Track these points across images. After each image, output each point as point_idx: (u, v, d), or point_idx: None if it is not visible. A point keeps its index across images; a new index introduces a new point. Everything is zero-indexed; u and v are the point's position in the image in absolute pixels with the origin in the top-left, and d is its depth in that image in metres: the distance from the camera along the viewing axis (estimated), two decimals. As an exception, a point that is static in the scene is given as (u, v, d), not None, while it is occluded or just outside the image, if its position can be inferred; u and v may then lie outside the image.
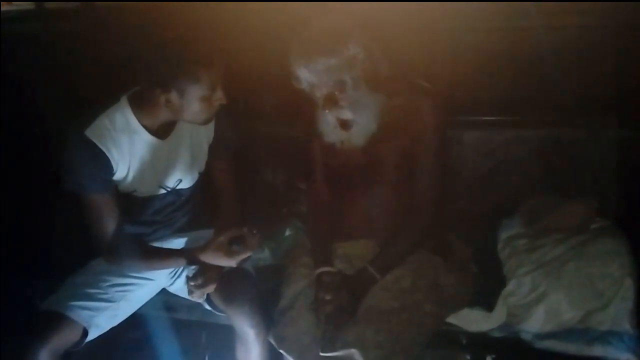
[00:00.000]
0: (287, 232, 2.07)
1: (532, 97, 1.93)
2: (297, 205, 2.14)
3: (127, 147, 1.58)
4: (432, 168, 1.61)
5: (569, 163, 1.91)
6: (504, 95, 1.95)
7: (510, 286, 1.66)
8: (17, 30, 2.29)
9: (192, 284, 1.65)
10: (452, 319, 1.65)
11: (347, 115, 1.54)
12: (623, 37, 1.78)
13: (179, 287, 1.82)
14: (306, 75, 1.48)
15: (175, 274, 1.83)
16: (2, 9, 2.30)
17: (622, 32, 1.78)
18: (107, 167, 1.56)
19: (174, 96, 1.49)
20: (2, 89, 2.23)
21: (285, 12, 1.88)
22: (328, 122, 1.58)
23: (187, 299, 1.75)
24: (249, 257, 1.65)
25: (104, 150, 1.54)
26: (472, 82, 1.96)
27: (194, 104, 1.52)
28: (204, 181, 1.79)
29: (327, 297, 1.53)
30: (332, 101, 1.52)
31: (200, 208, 1.84)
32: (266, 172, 2.21)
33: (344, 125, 1.56)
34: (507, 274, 1.73)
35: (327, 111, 1.53)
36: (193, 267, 1.72)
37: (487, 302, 1.67)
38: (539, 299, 1.59)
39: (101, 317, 1.66)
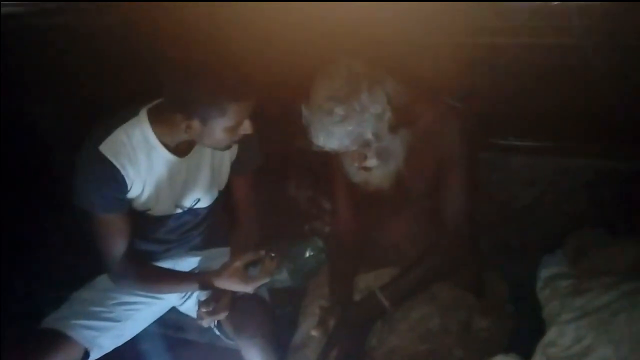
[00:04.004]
0: (308, 253, 1.93)
1: (585, 123, 1.76)
2: (321, 223, 2.03)
3: (144, 165, 1.47)
4: (458, 194, 1.48)
5: (620, 198, 1.74)
6: (553, 120, 1.78)
7: (551, 334, 1.49)
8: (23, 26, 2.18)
9: (203, 310, 1.54)
10: (484, 366, 1.51)
11: (373, 163, 1.45)
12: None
13: (190, 307, 1.73)
14: (326, 145, 1.38)
15: (186, 293, 1.73)
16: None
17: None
18: (121, 185, 1.45)
19: (195, 123, 1.36)
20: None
21: (316, 27, 1.76)
22: (351, 164, 1.49)
23: (199, 320, 1.64)
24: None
25: (119, 167, 1.42)
26: (518, 103, 1.80)
27: (216, 133, 1.39)
28: (223, 199, 1.68)
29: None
30: (359, 158, 1.44)
31: (216, 226, 1.74)
32: (289, 187, 2.10)
33: (366, 168, 1.47)
34: (547, 319, 1.57)
35: (356, 164, 1.45)
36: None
37: (524, 349, 1.51)
38: (584, 353, 1.42)
39: (105, 338, 1.58)
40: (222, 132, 1.38)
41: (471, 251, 1.59)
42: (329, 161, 1.59)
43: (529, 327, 1.57)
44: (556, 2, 1.68)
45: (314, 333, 1.45)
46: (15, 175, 2.19)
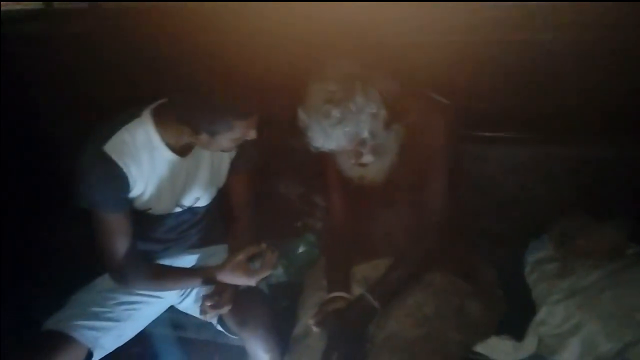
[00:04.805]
0: (301, 249, 1.99)
1: (564, 112, 1.83)
2: (313, 219, 2.06)
3: (147, 164, 1.48)
4: (439, 187, 1.52)
5: (600, 183, 1.82)
6: (533, 111, 1.86)
7: (541, 314, 1.57)
8: (25, 30, 2.18)
9: (207, 304, 1.55)
10: (479, 348, 1.56)
11: (369, 159, 1.50)
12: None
13: (188, 305, 1.74)
14: (325, 146, 1.42)
15: (184, 291, 1.75)
16: (8, 8, 2.19)
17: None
18: (124, 185, 1.46)
19: (204, 136, 1.40)
20: (7, 92, 2.11)
21: (307, 29, 1.79)
22: (347, 161, 1.53)
23: (197, 318, 1.65)
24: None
25: (123, 167, 1.44)
26: (499, 96, 1.87)
27: (224, 143, 1.43)
28: (221, 197, 1.70)
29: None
30: (355, 155, 1.48)
31: (213, 224, 1.76)
32: (280, 184, 2.12)
33: (362, 164, 1.52)
34: (536, 300, 1.65)
35: (352, 161, 1.50)
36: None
37: (516, 330, 1.58)
38: (574, 330, 1.49)
39: (107, 338, 1.58)
40: (229, 142, 1.43)
41: (459, 239, 1.64)
42: (321, 157, 1.62)
43: (519, 309, 1.63)
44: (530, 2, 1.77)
45: (311, 322, 1.48)
46: (9, 179, 2.18)
